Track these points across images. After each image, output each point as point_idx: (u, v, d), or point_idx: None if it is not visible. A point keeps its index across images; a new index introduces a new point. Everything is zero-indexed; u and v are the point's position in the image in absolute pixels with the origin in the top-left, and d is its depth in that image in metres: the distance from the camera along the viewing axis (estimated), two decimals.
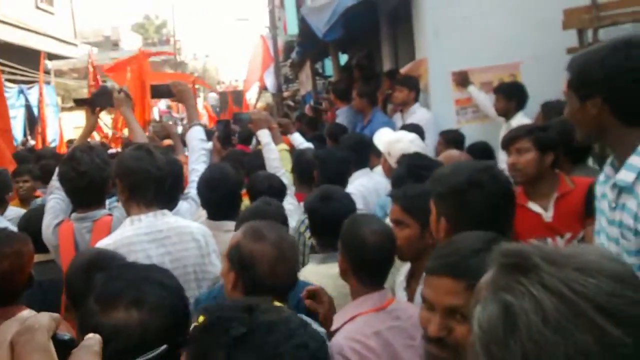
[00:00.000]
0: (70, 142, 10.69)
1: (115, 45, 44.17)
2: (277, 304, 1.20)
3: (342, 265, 2.21)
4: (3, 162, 6.09)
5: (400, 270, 2.55)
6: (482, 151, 4.71)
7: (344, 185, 3.74)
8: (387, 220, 2.57)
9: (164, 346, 1.13)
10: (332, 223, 2.42)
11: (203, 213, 3.17)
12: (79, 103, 4.03)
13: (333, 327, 2.12)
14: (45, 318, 0.78)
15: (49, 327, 0.77)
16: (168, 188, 3.30)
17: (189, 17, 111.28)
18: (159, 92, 4.22)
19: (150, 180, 2.64)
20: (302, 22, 7.54)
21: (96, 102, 3.67)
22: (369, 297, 2.15)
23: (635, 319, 0.79)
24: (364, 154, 4.30)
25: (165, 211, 2.72)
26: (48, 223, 2.98)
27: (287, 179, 3.82)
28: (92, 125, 3.76)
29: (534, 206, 2.89)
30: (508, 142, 3.02)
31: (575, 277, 0.80)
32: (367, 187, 4.02)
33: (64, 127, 13.14)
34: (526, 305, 0.80)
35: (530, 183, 2.92)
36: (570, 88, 1.91)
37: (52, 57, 17.32)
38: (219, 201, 3.04)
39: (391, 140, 3.65)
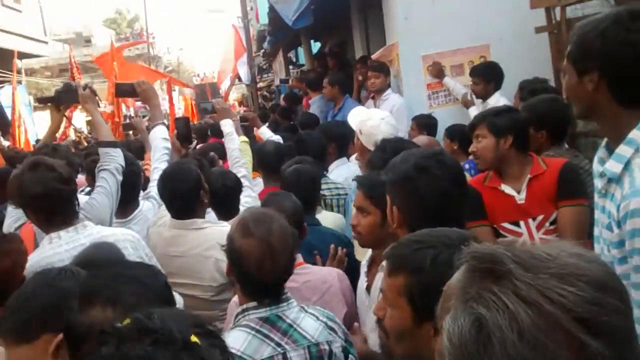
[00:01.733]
0: (37, 141, 10.48)
1: (87, 41, 43.51)
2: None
3: None
4: None
5: (366, 255, 2.56)
6: (462, 133, 4.67)
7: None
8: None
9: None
10: None
11: (165, 213, 3.08)
12: (43, 101, 3.94)
13: None
14: None
15: None
16: (128, 188, 3.25)
17: (161, 9, 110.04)
18: (122, 91, 4.17)
19: (64, 198, 2.51)
20: (272, 11, 7.43)
21: (61, 99, 3.59)
22: None
23: (617, 328, 0.74)
24: (342, 144, 4.30)
25: (87, 222, 2.60)
26: (8, 226, 2.91)
27: (246, 169, 3.79)
28: (58, 124, 3.70)
29: (507, 188, 2.86)
30: (469, 130, 3.03)
31: (553, 285, 0.74)
32: (344, 177, 4.00)
33: (38, 126, 12.88)
34: (500, 319, 0.74)
35: (492, 168, 2.90)
36: (569, 60, 1.78)
37: (22, 55, 16.99)
38: (177, 198, 2.93)
39: (363, 119, 3.55)
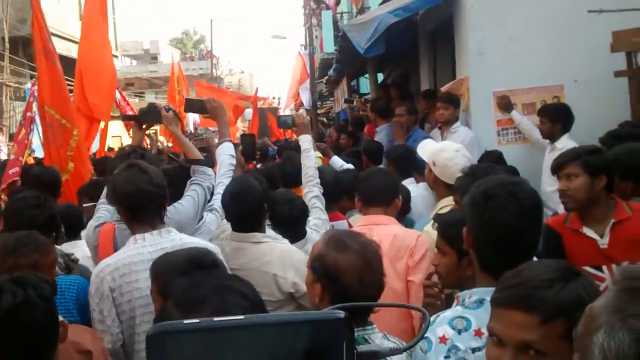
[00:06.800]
0: (110, 150, 10.90)
1: (154, 58, 45.10)
2: None
3: None
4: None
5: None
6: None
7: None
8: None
9: None
10: None
11: (227, 226, 3.12)
12: (127, 119, 4.07)
13: None
14: None
15: None
16: None
17: (226, 33, 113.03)
18: (192, 107, 4.23)
19: (150, 199, 2.60)
20: (343, 39, 7.53)
21: (144, 119, 3.76)
22: None
23: None
24: (409, 165, 4.40)
25: (171, 228, 2.68)
26: (90, 225, 3.03)
27: (319, 189, 3.68)
28: (139, 141, 3.81)
29: (589, 231, 2.79)
30: (557, 168, 2.93)
31: None
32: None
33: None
34: None
35: (583, 208, 2.82)
36: None
37: None
38: (242, 214, 2.98)
39: (436, 149, 3.50)
